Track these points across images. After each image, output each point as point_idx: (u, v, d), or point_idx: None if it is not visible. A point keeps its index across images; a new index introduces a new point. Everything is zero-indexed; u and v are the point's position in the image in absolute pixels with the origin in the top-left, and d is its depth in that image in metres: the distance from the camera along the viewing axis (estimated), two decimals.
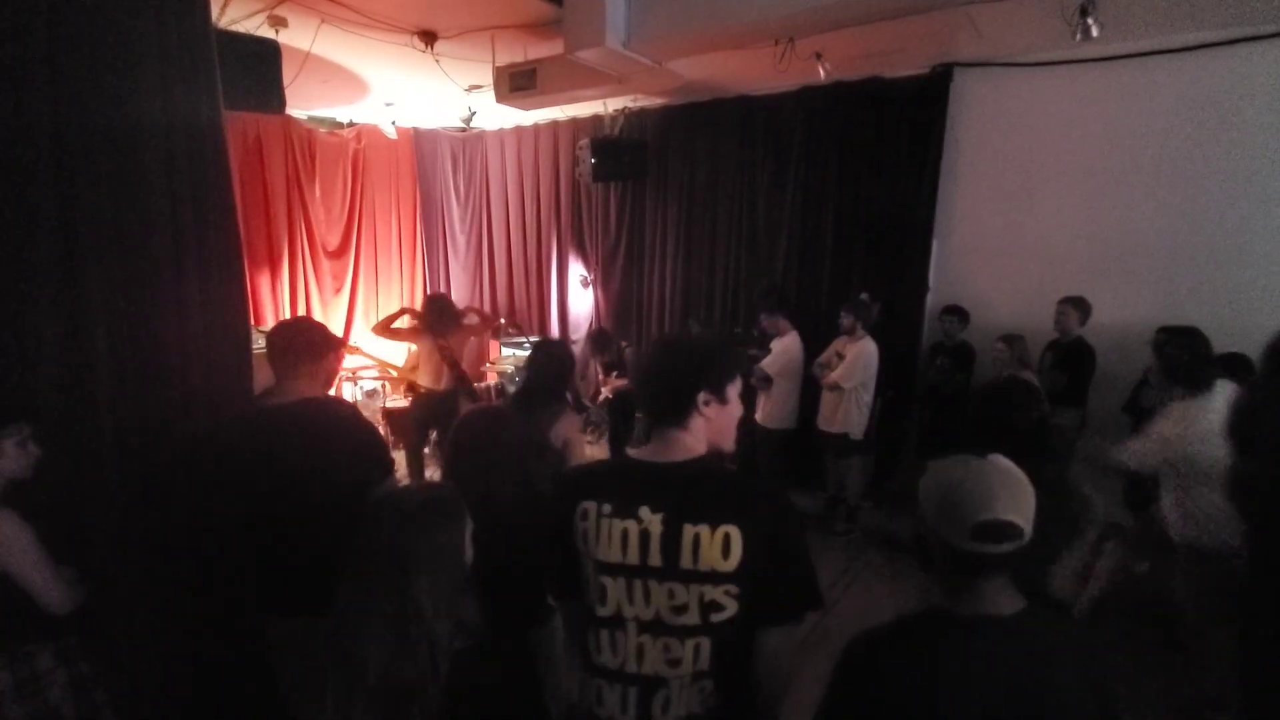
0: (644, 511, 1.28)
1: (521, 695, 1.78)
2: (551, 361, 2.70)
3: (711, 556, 1.25)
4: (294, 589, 1.88)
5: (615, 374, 5.69)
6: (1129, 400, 3.95)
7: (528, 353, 2.80)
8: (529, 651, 1.84)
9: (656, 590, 1.28)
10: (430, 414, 4.87)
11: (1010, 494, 1.07)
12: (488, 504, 1.71)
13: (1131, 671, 2.96)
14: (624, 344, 6.14)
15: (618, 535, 1.29)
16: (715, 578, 1.25)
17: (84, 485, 1.97)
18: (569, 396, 5.44)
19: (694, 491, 1.30)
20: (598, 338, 5.87)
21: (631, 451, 1.40)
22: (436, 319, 4.73)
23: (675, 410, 1.35)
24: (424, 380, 4.87)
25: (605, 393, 5.71)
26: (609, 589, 1.30)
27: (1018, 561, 1.08)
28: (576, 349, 6.26)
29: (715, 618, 1.27)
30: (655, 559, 1.27)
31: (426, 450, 5.22)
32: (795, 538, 1.31)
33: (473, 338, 5.87)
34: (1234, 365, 3.27)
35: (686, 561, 1.26)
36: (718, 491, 1.31)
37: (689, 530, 1.26)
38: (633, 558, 1.28)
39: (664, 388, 1.37)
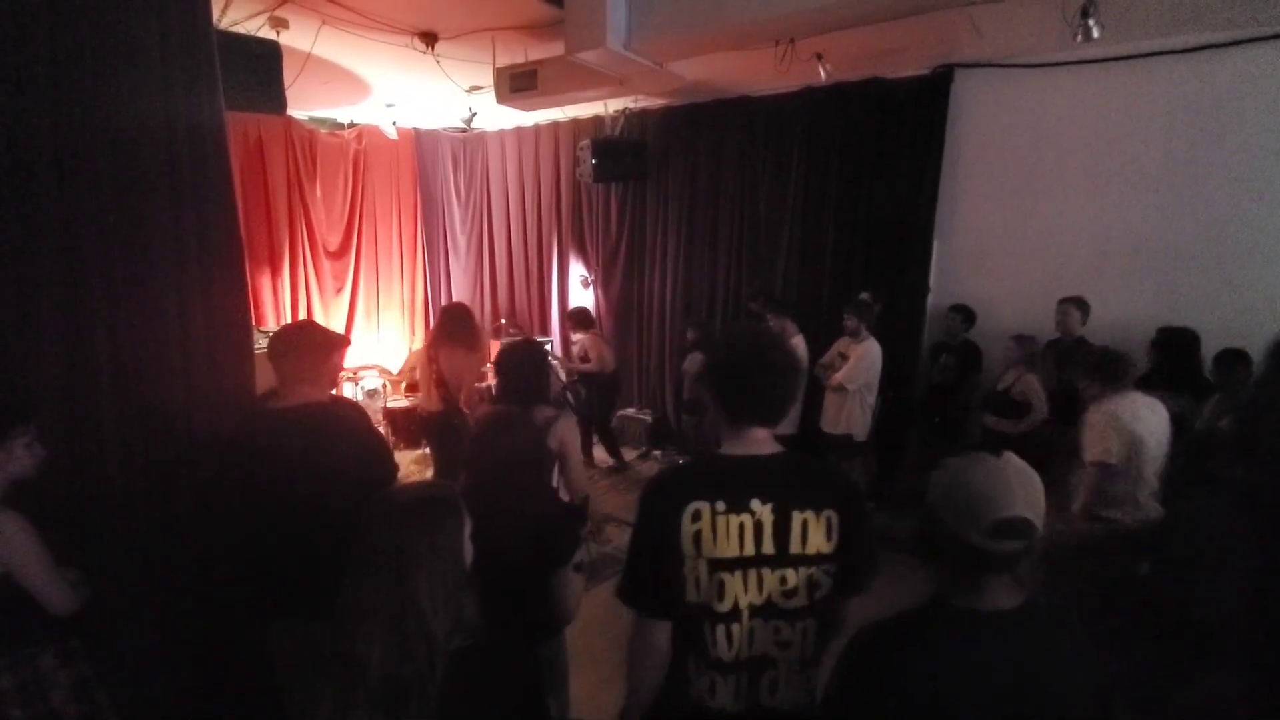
0: (755, 504, 1.35)
1: (523, 696, 1.77)
2: (529, 362, 2.55)
3: (817, 540, 1.36)
4: (298, 591, 1.88)
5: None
6: None
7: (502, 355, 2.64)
8: (534, 656, 1.83)
9: (769, 577, 1.36)
10: (423, 431, 4.60)
11: (1027, 492, 1.08)
12: (505, 510, 1.72)
13: (1131, 670, 2.94)
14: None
15: (734, 530, 1.34)
16: (820, 559, 1.37)
17: (86, 486, 1.97)
18: (570, 397, 5.49)
19: (796, 481, 1.40)
20: (577, 316, 6.05)
21: (724, 451, 1.44)
22: (445, 330, 4.28)
23: (780, 413, 1.42)
24: (421, 397, 4.53)
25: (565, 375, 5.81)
26: (727, 584, 1.35)
27: (1024, 559, 1.09)
28: (577, 348, 6.24)
29: (818, 595, 1.38)
30: (768, 547, 1.36)
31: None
32: (869, 517, 1.46)
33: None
34: (1234, 361, 3.27)
35: (796, 546, 1.36)
36: (816, 480, 1.42)
37: (797, 517, 1.36)
38: (749, 549, 1.35)
39: (776, 391, 1.40)
